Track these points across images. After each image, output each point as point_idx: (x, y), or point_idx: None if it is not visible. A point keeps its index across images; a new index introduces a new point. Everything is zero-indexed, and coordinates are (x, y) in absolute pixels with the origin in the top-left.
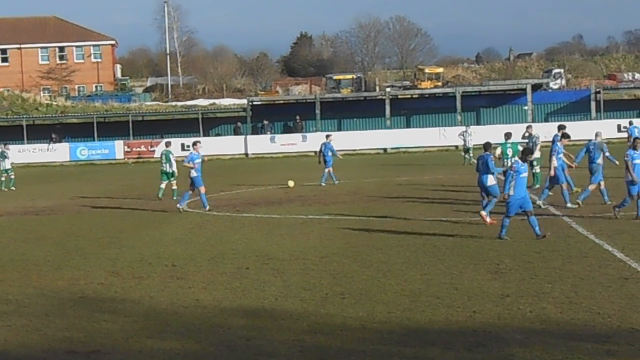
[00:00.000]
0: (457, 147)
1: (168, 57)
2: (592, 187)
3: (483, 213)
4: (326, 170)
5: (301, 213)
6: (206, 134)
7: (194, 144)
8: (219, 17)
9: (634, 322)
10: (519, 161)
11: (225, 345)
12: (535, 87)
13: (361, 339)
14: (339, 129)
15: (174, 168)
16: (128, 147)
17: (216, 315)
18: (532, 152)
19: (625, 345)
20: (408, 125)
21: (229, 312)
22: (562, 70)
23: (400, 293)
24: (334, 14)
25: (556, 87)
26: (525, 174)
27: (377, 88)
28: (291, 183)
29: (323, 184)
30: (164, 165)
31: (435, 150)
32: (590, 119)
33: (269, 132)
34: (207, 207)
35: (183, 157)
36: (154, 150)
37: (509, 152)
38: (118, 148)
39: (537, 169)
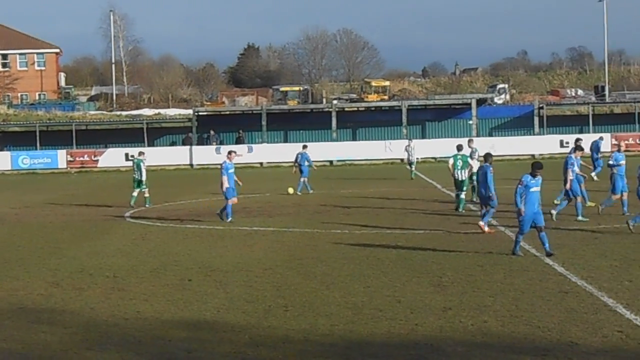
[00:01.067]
0: (402, 160)
1: (113, 66)
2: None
3: (481, 223)
4: (302, 179)
5: (245, 225)
6: (151, 144)
7: (229, 153)
8: (166, 27)
9: (573, 335)
10: (529, 176)
11: (165, 358)
12: (480, 102)
13: (303, 351)
14: (285, 141)
15: (144, 177)
16: (71, 156)
17: (157, 327)
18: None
19: (564, 358)
20: (354, 138)
21: (170, 324)
22: (506, 86)
23: (343, 306)
24: (281, 26)
25: (500, 102)
26: (536, 189)
27: (324, 100)
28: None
29: (299, 193)
30: (135, 173)
31: (380, 163)
32: (534, 134)
33: (214, 143)
34: (230, 219)
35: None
36: (97, 160)
37: (459, 163)
38: (61, 157)
39: (462, 195)
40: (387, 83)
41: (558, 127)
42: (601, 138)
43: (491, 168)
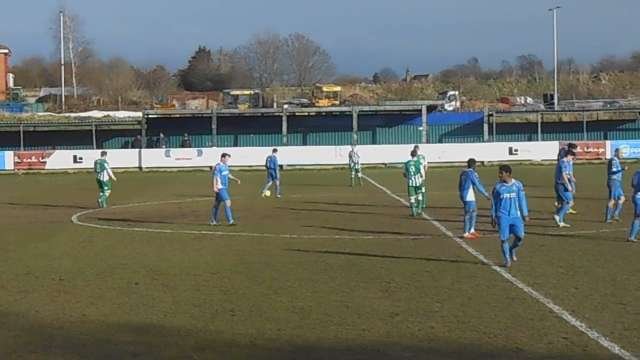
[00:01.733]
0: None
1: (63, 67)
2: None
3: (466, 234)
4: (277, 182)
5: (194, 228)
6: (100, 146)
7: (223, 155)
8: (117, 29)
9: (519, 341)
10: (500, 183)
11: None
12: (431, 108)
13: (250, 356)
14: (235, 145)
15: (106, 178)
16: (18, 157)
17: (103, 330)
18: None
19: None
20: (304, 143)
21: (116, 327)
22: (456, 93)
23: (290, 310)
24: (232, 29)
25: (451, 108)
26: (509, 195)
27: (275, 104)
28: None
29: (278, 196)
30: (99, 174)
31: (331, 168)
32: (483, 141)
33: (164, 146)
34: (232, 221)
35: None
36: (45, 162)
37: (412, 169)
38: (8, 159)
39: (420, 196)
40: (338, 88)
41: (507, 135)
42: (571, 145)
43: (476, 174)
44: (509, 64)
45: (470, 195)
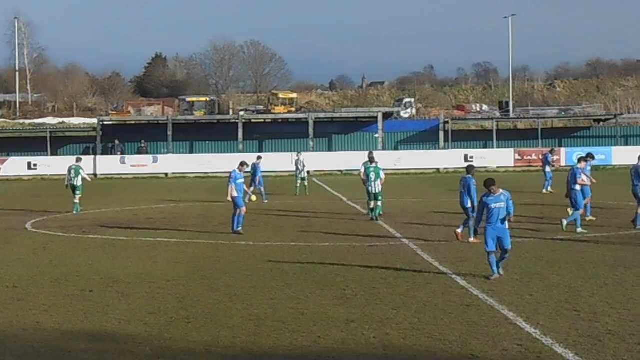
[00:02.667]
0: (308, 172)
1: (17, 73)
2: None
3: (458, 231)
4: (261, 188)
5: (149, 236)
6: (54, 153)
7: (241, 164)
8: (72, 35)
9: (474, 348)
10: (487, 193)
11: None
12: (387, 116)
13: None
14: (191, 152)
15: (80, 182)
16: None
17: (57, 338)
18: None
19: None
20: (261, 150)
21: (70, 335)
22: (412, 100)
23: (246, 318)
24: (188, 36)
25: (407, 116)
26: (497, 205)
27: (231, 111)
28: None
29: (265, 202)
30: (74, 179)
31: (287, 175)
32: (439, 149)
33: (119, 153)
34: (240, 229)
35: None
36: None
37: (372, 175)
38: None
39: (379, 203)
40: (294, 95)
41: (463, 142)
42: (552, 151)
43: (474, 180)
44: (464, 71)
45: (470, 202)
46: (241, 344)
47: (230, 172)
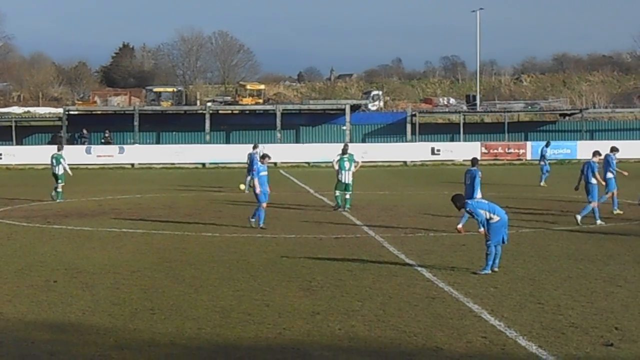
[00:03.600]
0: (275, 164)
1: None
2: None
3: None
4: (249, 177)
5: (114, 226)
6: (19, 142)
7: (262, 157)
8: (38, 24)
9: (439, 340)
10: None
11: None
12: (354, 108)
13: (169, 355)
14: (158, 142)
15: (61, 171)
16: None
17: (20, 329)
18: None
19: None
20: (228, 141)
21: (34, 325)
22: (380, 93)
23: (211, 309)
24: (156, 26)
25: (374, 108)
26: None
27: (198, 102)
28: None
29: (246, 191)
30: (55, 167)
31: None
32: (406, 141)
33: (86, 143)
34: (262, 225)
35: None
36: None
37: (346, 164)
38: None
39: (347, 195)
40: (262, 86)
41: (430, 135)
42: (547, 144)
43: (479, 172)
44: (432, 64)
45: (479, 195)
46: (206, 335)
47: (251, 165)
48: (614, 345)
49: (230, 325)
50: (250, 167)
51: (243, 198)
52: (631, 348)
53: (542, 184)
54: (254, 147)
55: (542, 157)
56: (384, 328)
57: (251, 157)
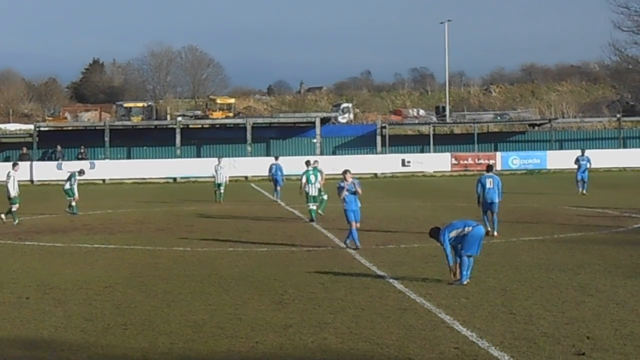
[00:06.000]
0: (247, 177)
1: None
2: None
3: (495, 233)
4: (278, 188)
5: (86, 242)
6: None
7: (345, 172)
8: (7, 40)
9: (411, 352)
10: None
11: None
12: (324, 121)
13: None
14: (129, 157)
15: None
16: None
17: None
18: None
19: None
20: (198, 155)
21: (6, 342)
22: (350, 105)
23: (183, 324)
24: (126, 41)
25: (344, 121)
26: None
27: (168, 117)
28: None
29: (278, 200)
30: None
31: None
32: (376, 153)
33: (60, 159)
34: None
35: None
36: None
37: (312, 178)
38: None
39: (325, 196)
40: (232, 100)
41: (400, 147)
42: (582, 153)
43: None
44: (401, 76)
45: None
46: (179, 350)
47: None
48: (586, 354)
49: (202, 340)
50: (274, 178)
51: (214, 212)
52: (603, 357)
53: (584, 192)
54: (276, 159)
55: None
56: (356, 340)
57: (277, 167)
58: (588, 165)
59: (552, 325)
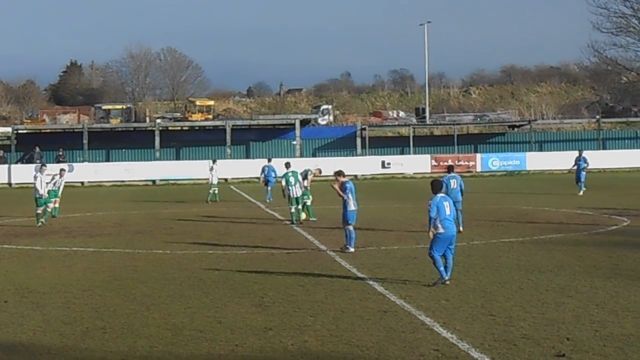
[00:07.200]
0: (226, 179)
1: None
2: None
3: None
4: (269, 189)
5: (65, 245)
6: None
7: (340, 173)
8: None
9: (391, 354)
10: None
11: None
12: (304, 123)
13: None
14: (107, 160)
15: None
16: None
17: None
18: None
19: None
20: (178, 157)
21: None
22: (330, 107)
23: (163, 327)
24: (104, 43)
25: (324, 123)
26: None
27: (148, 119)
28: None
29: (271, 199)
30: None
31: (204, 183)
32: (356, 155)
33: (38, 161)
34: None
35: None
36: None
37: (292, 180)
38: None
39: (309, 202)
40: (211, 102)
41: (380, 148)
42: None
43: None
44: (381, 78)
45: None
46: (158, 353)
47: (345, 184)
48: (566, 356)
49: (182, 343)
50: (266, 178)
51: (193, 215)
52: (583, 358)
53: (580, 193)
54: (269, 161)
55: (583, 168)
56: (336, 343)
57: (270, 168)
58: (584, 165)
59: (532, 326)
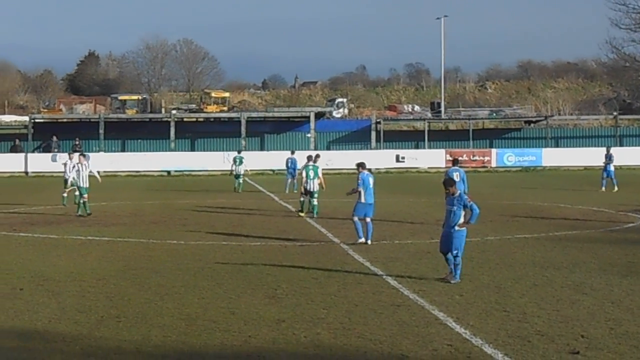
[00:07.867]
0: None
1: None
2: None
3: None
4: (290, 180)
5: (80, 234)
6: None
7: (362, 165)
8: (3, 31)
9: (404, 348)
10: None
11: None
12: (319, 115)
13: None
14: (123, 150)
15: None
16: None
17: None
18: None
19: None
20: (192, 149)
21: (0, 333)
22: (345, 100)
23: (177, 317)
24: (121, 34)
25: (339, 116)
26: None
27: (163, 110)
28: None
29: (295, 191)
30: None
31: (219, 174)
32: (370, 149)
33: (56, 150)
34: (361, 240)
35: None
36: None
37: (311, 173)
38: None
39: (315, 201)
40: (226, 94)
41: (394, 142)
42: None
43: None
44: (397, 72)
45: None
46: (172, 343)
47: (359, 175)
48: (580, 353)
49: (195, 333)
50: (291, 171)
51: (208, 206)
52: (597, 356)
53: (603, 189)
54: (292, 153)
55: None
56: (349, 336)
57: (292, 161)
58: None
59: (546, 323)
